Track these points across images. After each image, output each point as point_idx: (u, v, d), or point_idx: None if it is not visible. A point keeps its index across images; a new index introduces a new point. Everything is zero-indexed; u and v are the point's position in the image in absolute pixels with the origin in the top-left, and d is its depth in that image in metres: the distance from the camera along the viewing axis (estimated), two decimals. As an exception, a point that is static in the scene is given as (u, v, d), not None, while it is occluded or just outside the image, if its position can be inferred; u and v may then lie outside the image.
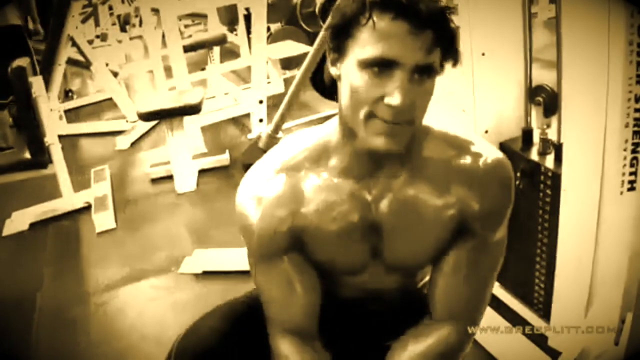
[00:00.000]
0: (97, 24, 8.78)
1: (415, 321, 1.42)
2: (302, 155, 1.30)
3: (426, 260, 1.38)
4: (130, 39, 8.51)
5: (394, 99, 1.07)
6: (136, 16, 8.05)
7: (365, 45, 1.08)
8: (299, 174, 1.28)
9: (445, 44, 1.11)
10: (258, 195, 1.28)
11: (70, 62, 6.22)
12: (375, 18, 1.06)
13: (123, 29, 8.72)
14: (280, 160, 1.31)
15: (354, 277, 1.37)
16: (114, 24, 9.00)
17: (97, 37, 8.67)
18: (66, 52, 5.53)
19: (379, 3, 1.06)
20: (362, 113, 1.12)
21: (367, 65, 1.09)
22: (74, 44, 6.04)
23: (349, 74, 1.13)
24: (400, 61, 1.07)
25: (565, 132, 1.96)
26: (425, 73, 1.10)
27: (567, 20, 1.79)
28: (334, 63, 1.19)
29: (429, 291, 1.40)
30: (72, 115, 6.36)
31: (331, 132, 1.28)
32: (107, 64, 6.57)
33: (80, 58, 6.39)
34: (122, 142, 5.52)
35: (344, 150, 1.26)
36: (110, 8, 9.11)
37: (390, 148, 1.13)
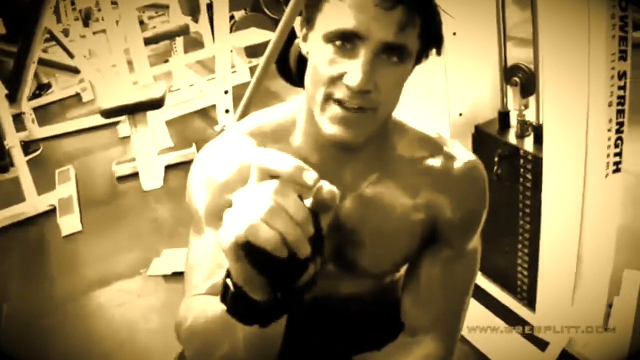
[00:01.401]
0: (59, 20, 8.53)
1: (380, 329, 1.31)
2: (261, 134, 1.17)
3: (391, 266, 1.27)
4: (94, 33, 8.31)
5: (353, 77, 0.93)
6: (99, 10, 7.83)
7: (331, 17, 0.96)
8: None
9: (426, 27, 0.97)
10: (209, 176, 1.15)
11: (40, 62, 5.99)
12: None
13: (86, 24, 8.49)
14: (237, 138, 1.18)
15: None
16: (76, 20, 8.76)
17: (60, 33, 8.43)
18: (41, 48, 5.33)
19: None
20: (320, 94, 0.99)
21: (330, 39, 0.96)
22: (52, 38, 5.85)
23: (314, 49, 1.01)
24: (364, 35, 0.93)
25: (545, 113, 1.86)
26: (395, 54, 0.96)
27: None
28: (304, 39, 1.06)
29: (402, 304, 1.28)
30: (42, 117, 6.13)
31: (296, 110, 1.16)
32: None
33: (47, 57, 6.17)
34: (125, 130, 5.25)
35: (307, 137, 1.13)
36: (73, 3, 8.86)
37: (347, 138, 0.99)
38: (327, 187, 0.74)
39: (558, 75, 1.73)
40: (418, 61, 1.02)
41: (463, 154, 1.18)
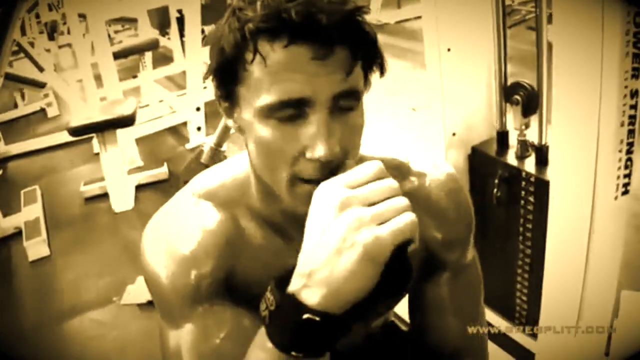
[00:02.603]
0: (23, 32, 8.32)
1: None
2: (215, 196, 1.03)
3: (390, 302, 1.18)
4: (59, 47, 8.12)
5: (318, 150, 0.80)
6: (64, 23, 7.66)
7: (260, 88, 0.81)
8: (218, 220, 1.01)
9: (365, 55, 0.84)
10: (171, 249, 0.98)
11: (9, 77, 5.78)
12: (263, 51, 0.80)
13: (51, 37, 8.29)
14: (191, 203, 1.03)
15: None
16: (41, 32, 8.56)
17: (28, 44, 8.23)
18: (7, 61, 5.14)
19: (264, 29, 0.79)
20: (283, 178, 0.85)
21: (268, 114, 0.82)
22: (21, 50, 5.66)
23: (251, 127, 0.86)
24: (311, 99, 0.80)
25: (552, 133, 1.77)
26: (348, 99, 0.83)
27: (556, 6, 1.58)
28: (228, 114, 0.92)
29: (419, 337, 1.19)
30: (5, 133, 5.92)
31: (247, 168, 1.01)
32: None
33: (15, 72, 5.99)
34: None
35: (265, 200, 0.99)
36: (38, 16, 8.66)
37: None
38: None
39: (568, 94, 1.64)
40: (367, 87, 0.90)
41: (432, 168, 1.10)
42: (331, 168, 0.81)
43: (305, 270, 0.74)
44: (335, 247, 0.71)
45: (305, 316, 0.72)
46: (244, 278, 0.99)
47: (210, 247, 0.98)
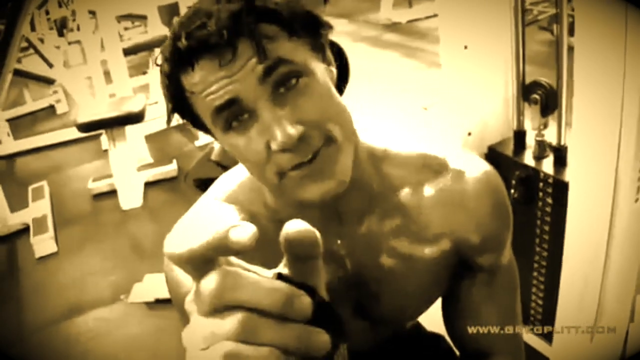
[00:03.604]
0: (32, 29, 8.31)
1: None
2: (236, 199, 1.02)
3: (422, 306, 1.14)
4: (69, 43, 8.10)
5: (275, 140, 0.79)
6: (74, 20, 7.64)
7: (203, 110, 0.83)
8: (239, 218, 0.97)
9: (291, 27, 0.82)
10: None
11: (18, 74, 5.77)
12: (186, 85, 0.82)
13: (61, 34, 8.28)
14: (214, 207, 1.02)
15: None
16: (51, 29, 8.55)
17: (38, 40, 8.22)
18: (17, 56, 5.12)
19: (174, 66, 0.82)
20: (272, 176, 0.85)
21: (224, 127, 0.83)
22: (30, 46, 5.64)
23: (227, 144, 0.87)
24: (239, 96, 0.80)
25: (573, 134, 1.73)
26: (287, 79, 0.81)
27: (578, 8, 1.54)
28: (215, 138, 0.92)
29: (453, 333, 1.16)
30: (13, 129, 5.90)
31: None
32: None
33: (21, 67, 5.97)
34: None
35: (280, 198, 0.98)
36: (47, 13, 8.64)
37: (330, 189, 0.84)
38: (290, 229, 0.47)
39: (589, 96, 1.59)
40: (322, 57, 0.89)
41: (471, 165, 1.03)
42: (309, 150, 0.81)
43: None
44: None
45: None
46: None
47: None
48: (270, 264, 0.95)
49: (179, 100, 0.85)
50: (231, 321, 0.44)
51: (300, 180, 0.83)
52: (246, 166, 0.89)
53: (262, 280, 0.46)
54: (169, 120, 0.91)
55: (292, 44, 0.82)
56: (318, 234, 0.47)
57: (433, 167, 1.01)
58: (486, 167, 1.04)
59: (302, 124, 0.80)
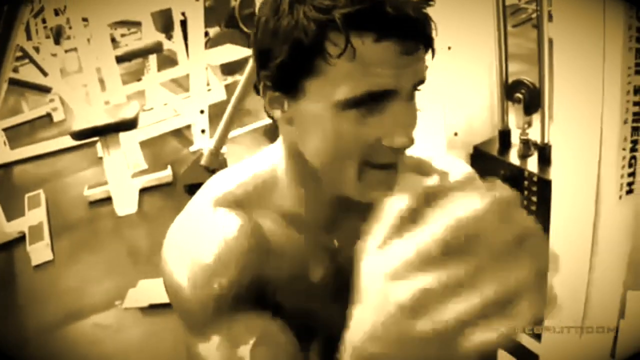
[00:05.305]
0: (29, 37, 8.32)
1: None
2: (235, 200, 0.99)
3: None
4: (66, 51, 8.12)
5: (398, 138, 0.81)
6: (70, 27, 7.66)
7: (344, 81, 0.79)
8: (239, 225, 0.97)
9: (427, 45, 0.84)
10: (193, 259, 0.95)
11: (15, 83, 5.78)
12: (354, 44, 0.77)
13: (57, 42, 8.30)
14: (210, 210, 0.99)
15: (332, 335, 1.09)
16: (47, 37, 8.57)
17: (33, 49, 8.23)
18: (12, 66, 5.14)
19: (354, 22, 0.76)
20: (352, 166, 0.84)
21: (351, 105, 0.80)
22: (25, 55, 5.66)
23: (319, 119, 0.84)
24: (396, 90, 0.79)
25: (555, 131, 1.74)
26: (416, 89, 0.84)
27: (556, 2, 1.55)
28: (274, 104, 0.88)
29: None
30: (10, 138, 5.92)
31: (272, 166, 0.99)
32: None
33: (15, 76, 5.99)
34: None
35: (299, 195, 0.98)
36: (44, 21, 8.67)
37: (387, 194, 0.84)
38: None
39: (570, 91, 1.60)
40: None
41: (452, 167, 1.05)
42: (399, 156, 0.84)
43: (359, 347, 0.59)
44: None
45: None
46: (271, 281, 0.97)
47: (232, 254, 0.95)
48: (273, 264, 0.96)
49: (309, 54, 0.79)
50: None
51: (376, 182, 0.85)
52: (329, 149, 0.85)
53: None
54: (256, 89, 0.88)
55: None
56: None
57: (420, 170, 1.01)
58: (467, 168, 1.06)
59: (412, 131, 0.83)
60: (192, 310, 0.95)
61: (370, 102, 0.79)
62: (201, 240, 0.96)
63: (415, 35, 0.78)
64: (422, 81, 0.82)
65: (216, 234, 0.96)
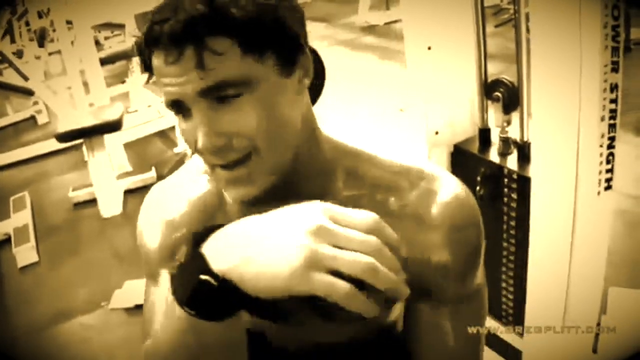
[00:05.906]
0: (12, 40, 8.26)
1: None
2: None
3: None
4: (50, 54, 8.08)
5: (199, 141, 0.84)
6: (54, 30, 7.62)
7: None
8: (204, 192, 1.08)
9: (248, 41, 0.81)
10: (160, 215, 1.08)
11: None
12: (154, 60, 0.85)
13: (41, 44, 8.25)
14: (186, 176, 1.12)
15: (285, 327, 1.09)
16: (31, 40, 8.51)
17: (14, 54, 8.14)
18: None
19: (147, 42, 0.84)
20: (205, 164, 0.92)
21: (174, 112, 0.89)
22: (4, 59, 5.63)
23: None
24: (179, 99, 0.84)
25: (533, 129, 1.76)
26: (229, 90, 0.82)
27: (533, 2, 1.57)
28: None
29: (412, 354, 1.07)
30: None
31: None
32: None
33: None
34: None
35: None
36: (28, 24, 8.60)
37: (245, 195, 0.88)
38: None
39: (547, 90, 1.63)
40: (288, 72, 0.87)
41: (443, 181, 0.99)
42: (228, 159, 0.86)
43: (230, 235, 0.77)
44: (278, 242, 0.74)
45: (203, 277, 0.74)
46: None
47: (190, 214, 1.05)
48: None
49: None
50: None
51: (221, 180, 0.89)
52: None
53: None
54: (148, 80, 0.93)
55: (245, 61, 0.81)
56: None
57: (409, 180, 0.98)
58: (458, 183, 1.00)
59: (228, 135, 0.84)
60: (150, 257, 1.09)
61: (178, 109, 0.86)
62: (170, 199, 1.09)
63: (177, 43, 0.80)
64: (219, 84, 0.81)
65: (182, 194, 1.08)
